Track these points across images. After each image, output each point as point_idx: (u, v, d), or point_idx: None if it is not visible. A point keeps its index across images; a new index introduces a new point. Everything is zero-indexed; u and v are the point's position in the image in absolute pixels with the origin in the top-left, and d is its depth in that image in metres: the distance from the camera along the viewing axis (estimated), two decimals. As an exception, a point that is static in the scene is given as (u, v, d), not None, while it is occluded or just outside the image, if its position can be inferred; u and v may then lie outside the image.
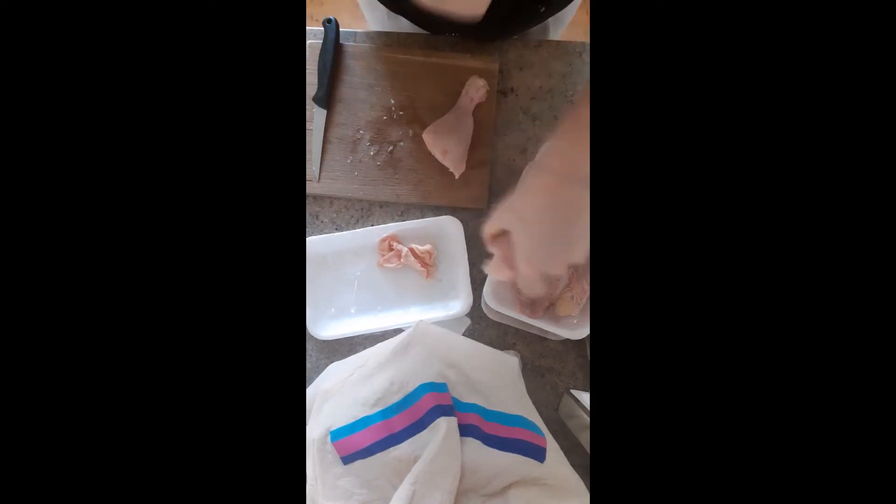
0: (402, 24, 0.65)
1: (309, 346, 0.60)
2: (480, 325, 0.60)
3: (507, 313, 0.53)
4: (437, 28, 0.64)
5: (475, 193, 0.60)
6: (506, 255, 0.43)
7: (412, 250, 0.58)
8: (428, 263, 0.58)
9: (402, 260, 0.58)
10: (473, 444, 0.44)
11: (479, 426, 0.45)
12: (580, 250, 0.40)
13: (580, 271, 0.53)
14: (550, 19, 0.68)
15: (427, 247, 0.58)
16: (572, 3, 0.63)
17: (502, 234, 0.43)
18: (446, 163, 0.58)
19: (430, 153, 0.59)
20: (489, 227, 0.44)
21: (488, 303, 0.54)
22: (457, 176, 0.59)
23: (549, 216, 0.39)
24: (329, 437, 0.45)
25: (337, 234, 0.59)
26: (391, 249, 0.59)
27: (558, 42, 0.63)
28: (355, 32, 0.63)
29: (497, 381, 0.48)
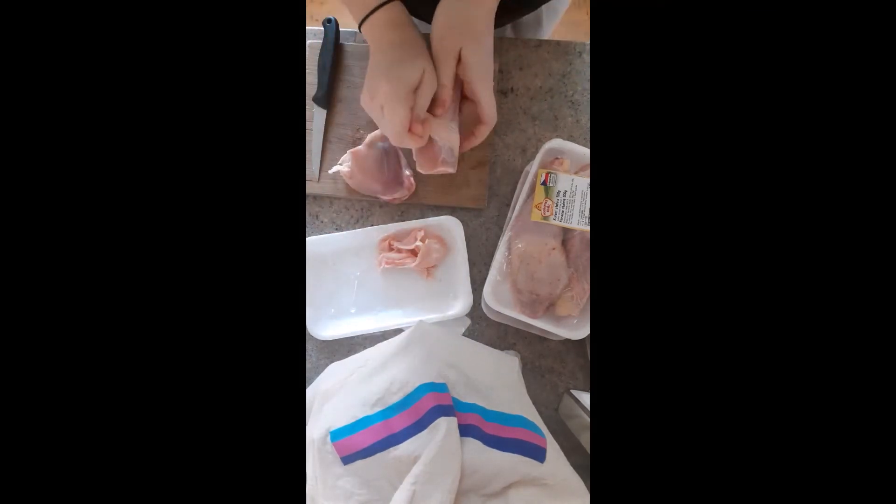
0: None
1: (309, 346, 0.60)
2: (480, 325, 0.60)
3: (507, 313, 0.53)
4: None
5: (475, 193, 0.60)
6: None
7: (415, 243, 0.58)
8: (424, 261, 0.58)
9: (419, 241, 0.57)
10: (473, 444, 0.44)
11: (479, 426, 0.45)
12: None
13: (580, 271, 0.53)
14: (543, 9, 0.68)
15: (420, 233, 0.58)
16: None
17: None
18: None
19: None
20: None
21: (488, 303, 0.54)
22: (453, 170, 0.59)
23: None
24: (329, 437, 0.45)
25: (337, 234, 0.59)
26: (391, 249, 0.59)
27: (558, 42, 0.63)
28: (355, 32, 0.63)
29: (497, 381, 0.48)
